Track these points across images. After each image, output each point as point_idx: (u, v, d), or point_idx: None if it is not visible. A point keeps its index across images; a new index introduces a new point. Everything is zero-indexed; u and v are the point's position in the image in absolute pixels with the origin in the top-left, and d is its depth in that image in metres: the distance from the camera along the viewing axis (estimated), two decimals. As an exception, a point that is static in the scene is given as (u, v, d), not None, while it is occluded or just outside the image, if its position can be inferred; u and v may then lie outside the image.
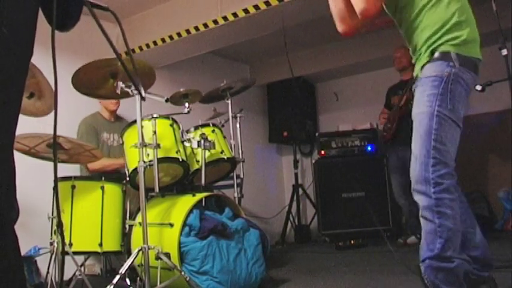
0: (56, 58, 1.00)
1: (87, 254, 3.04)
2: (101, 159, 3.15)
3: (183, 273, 2.50)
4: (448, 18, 1.87)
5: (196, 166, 3.09)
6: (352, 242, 4.46)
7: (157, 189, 2.69)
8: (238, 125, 3.66)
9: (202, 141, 2.96)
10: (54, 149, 1.09)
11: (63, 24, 1.06)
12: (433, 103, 1.78)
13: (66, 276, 2.85)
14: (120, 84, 2.54)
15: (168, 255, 2.53)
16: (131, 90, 2.50)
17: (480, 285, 1.97)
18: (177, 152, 2.89)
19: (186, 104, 2.95)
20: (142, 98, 1.72)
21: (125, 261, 2.50)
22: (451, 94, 1.78)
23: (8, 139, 0.92)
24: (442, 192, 1.72)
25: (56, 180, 1.02)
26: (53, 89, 2.18)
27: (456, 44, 1.84)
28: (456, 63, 1.81)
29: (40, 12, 1.01)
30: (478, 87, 3.40)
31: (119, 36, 1.19)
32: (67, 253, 2.55)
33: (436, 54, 1.85)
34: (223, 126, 3.50)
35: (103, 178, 2.91)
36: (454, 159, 1.78)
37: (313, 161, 5.27)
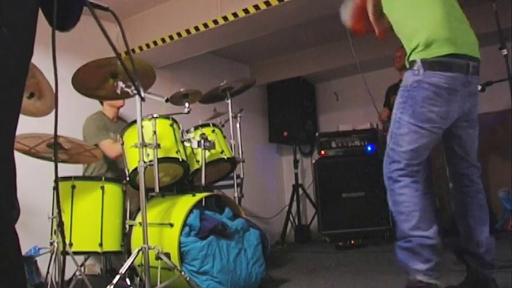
0: (56, 58, 1.00)
1: (87, 254, 3.04)
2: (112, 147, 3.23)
3: (183, 273, 2.50)
4: (409, 30, 2.08)
5: (197, 166, 3.09)
6: (352, 242, 4.46)
7: (157, 189, 2.69)
8: (238, 125, 3.66)
9: (202, 141, 2.96)
10: (55, 149, 1.10)
11: (64, 24, 1.06)
12: (397, 111, 2.05)
13: (66, 276, 2.85)
14: (120, 84, 2.54)
15: (168, 255, 2.53)
16: (131, 90, 2.50)
17: (483, 285, 2.11)
18: (177, 152, 2.89)
19: (186, 104, 2.95)
20: (142, 99, 1.72)
21: (125, 261, 2.50)
22: (412, 101, 1.99)
23: (8, 139, 0.92)
24: (393, 184, 2.01)
25: (57, 180, 1.02)
26: (53, 89, 2.17)
27: (418, 51, 2.02)
28: (421, 70, 1.99)
29: (40, 12, 1.01)
30: (478, 87, 3.41)
31: (119, 36, 1.19)
32: (67, 253, 2.55)
33: (407, 65, 2.07)
34: (223, 126, 3.50)
35: (103, 178, 2.92)
36: (417, 156, 1.99)
37: (313, 161, 5.27)
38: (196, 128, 3.22)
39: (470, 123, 2.12)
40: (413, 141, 1.99)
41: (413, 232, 1.92)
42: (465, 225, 2.19)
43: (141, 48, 4.25)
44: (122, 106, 3.74)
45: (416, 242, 1.92)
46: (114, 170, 3.57)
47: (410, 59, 2.05)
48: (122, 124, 3.60)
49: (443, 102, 1.97)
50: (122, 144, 3.00)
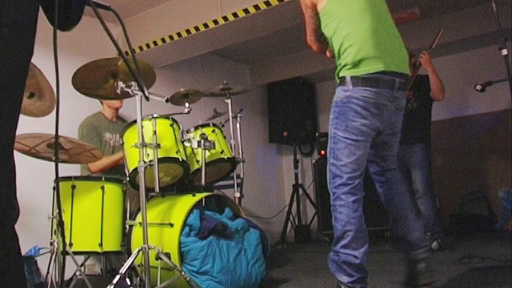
0: (57, 58, 1.00)
1: (87, 254, 3.03)
2: (101, 159, 3.16)
3: (183, 273, 2.50)
4: (339, 47, 2.16)
5: (197, 166, 3.09)
6: (352, 242, 4.46)
7: (157, 189, 2.69)
8: (238, 125, 3.66)
9: (202, 141, 2.96)
10: (55, 148, 1.09)
11: (65, 24, 1.06)
12: (331, 127, 2.19)
13: (66, 276, 2.85)
14: (121, 84, 2.54)
15: (168, 255, 2.53)
16: (131, 90, 2.50)
17: (417, 265, 2.27)
18: (177, 152, 2.89)
19: (187, 104, 2.95)
20: (146, 98, 1.72)
21: (125, 261, 2.50)
22: (344, 116, 2.13)
23: (8, 139, 0.92)
24: (335, 200, 2.15)
25: (58, 180, 1.02)
26: (54, 89, 2.17)
27: (348, 68, 2.13)
28: (350, 86, 2.12)
29: (40, 12, 1.01)
30: (478, 87, 3.41)
31: (119, 36, 1.19)
32: (67, 253, 2.55)
33: (338, 80, 2.20)
34: (223, 126, 3.50)
35: (103, 178, 2.91)
36: (357, 167, 2.12)
37: (313, 161, 5.27)
38: (196, 128, 3.22)
39: (393, 134, 2.27)
40: (351, 154, 2.12)
41: (343, 250, 2.09)
42: (391, 214, 2.40)
43: (141, 48, 4.25)
44: (119, 107, 3.76)
45: (342, 259, 2.09)
46: (113, 171, 3.57)
47: (340, 75, 2.17)
48: (122, 124, 3.60)
49: (371, 116, 2.11)
50: (122, 144, 3.00)
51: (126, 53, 2.50)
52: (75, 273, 2.67)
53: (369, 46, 2.11)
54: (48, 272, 2.60)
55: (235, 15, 3.70)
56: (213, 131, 3.23)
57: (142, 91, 2.30)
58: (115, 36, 3.89)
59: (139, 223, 2.67)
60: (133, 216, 2.97)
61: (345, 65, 2.15)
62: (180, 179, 3.09)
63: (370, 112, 2.10)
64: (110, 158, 3.50)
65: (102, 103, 3.75)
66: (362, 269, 2.11)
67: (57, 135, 1.04)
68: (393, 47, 2.18)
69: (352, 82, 2.12)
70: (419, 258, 2.26)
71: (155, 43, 4.18)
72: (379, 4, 2.24)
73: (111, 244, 2.84)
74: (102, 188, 2.85)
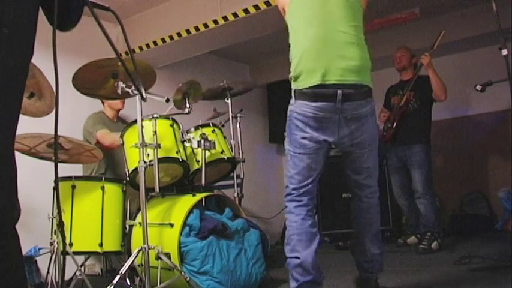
0: (56, 58, 1.00)
1: (87, 254, 3.04)
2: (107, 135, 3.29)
3: (183, 273, 2.50)
4: (291, 58, 2.17)
5: (197, 166, 3.09)
6: (352, 242, 4.46)
7: (157, 189, 2.69)
8: (238, 125, 3.66)
9: (202, 141, 2.96)
10: (55, 148, 1.09)
11: (64, 24, 1.06)
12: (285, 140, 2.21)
13: (67, 276, 2.85)
14: (121, 84, 2.54)
15: (168, 255, 2.53)
16: (131, 90, 2.50)
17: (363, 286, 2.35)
18: (177, 152, 2.89)
19: (187, 104, 2.95)
20: (143, 99, 1.72)
21: (125, 261, 2.50)
22: (289, 129, 2.17)
23: (9, 139, 0.92)
24: (285, 208, 2.18)
25: (57, 180, 1.02)
26: (53, 89, 2.17)
27: (292, 81, 2.15)
28: (293, 100, 2.14)
29: (40, 12, 1.01)
30: (478, 87, 3.41)
31: (119, 36, 1.19)
32: (67, 253, 2.55)
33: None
34: (223, 126, 3.50)
35: (103, 178, 2.92)
36: (302, 178, 2.14)
37: (313, 161, 5.25)
38: (196, 128, 3.22)
39: (357, 147, 2.17)
40: (295, 165, 2.14)
41: (289, 254, 2.11)
42: (354, 235, 2.36)
43: (141, 48, 4.25)
44: (121, 109, 3.76)
45: (289, 264, 2.11)
46: (113, 171, 3.57)
47: (292, 88, 2.16)
48: (122, 124, 3.60)
49: (312, 129, 2.09)
50: (122, 144, 3.00)
51: (126, 53, 2.50)
52: (75, 273, 2.67)
53: (307, 59, 2.09)
54: (48, 272, 2.61)
55: (235, 15, 3.69)
56: (213, 131, 3.23)
57: (140, 92, 2.30)
58: (114, 36, 3.89)
59: (140, 223, 2.67)
60: (133, 216, 2.97)
61: (291, 78, 2.16)
62: (180, 179, 3.09)
63: (310, 126, 2.08)
64: (112, 135, 3.45)
65: (103, 103, 3.75)
66: (306, 270, 2.06)
67: (56, 135, 1.04)
68: (339, 56, 2.07)
69: (295, 96, 2.13)
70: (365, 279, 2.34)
71: (155, 43, 4.18)
72: (334, 10, 2.11)
73: (111, 244, 2.84)
74: (102, 188, 2.85)
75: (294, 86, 2.14)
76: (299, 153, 2.13)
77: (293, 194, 2.15)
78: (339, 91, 2.04)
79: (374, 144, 2.23)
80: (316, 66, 2.06)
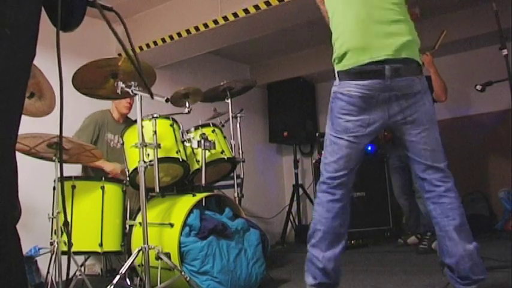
0: (60, 58, 1.00)
1: (88, 254, 3.04)
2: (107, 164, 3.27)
3: (183, 273, 2.50)
4: (333, 41, 2.08)
5: (197, 166, 3.09)
6: (352, 242, 4.46)
7: (157, 189, 2.68)
8: (238, 125, 3.66)
9: (202, 141, 2.96)
10: (59, 148, 1.09)
11: (67, 25, 1.06)
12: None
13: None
14: (121, 84, 2.54)
15: (168, 255, 2.53)
16: (131, 90, 2.50)
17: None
18: (177, 152, 2.89)
19: (187, 104, 2.95)
20: (151, 96, 1.71)
21: (125, 261, 2.50)
22: (331, 112, 2.04)
23: (10, 139, 0.92)
24: (317, 196, 2.07)
25: (62, 180, 1.02)
26: (54, 89, 2.18)
27: (336, 63, 2.04)
28: (337, 81, 2.03)
29: (42, 12, 1.01)
30: (479, 87, 3.41)
31: (122, 36, 1.19)
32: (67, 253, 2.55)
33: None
34: (223, 126, 3.50)
35: (103, 178, 2.91)
36: (339, 167, 2.00)
37: (313, 161, 5.26)
38: (196, 128, 3.22)
39: (412, 125, 1.99)
40: (334, 153, 2.01)
41: (311, 249, 2.02)
42: (436, 234, 2.06)
43: (141, 48, 4.25)
44: (126, 113, 3.71)
45: (309, 258, 2.03)
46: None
47: (335, 70, 2.06)
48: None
49: (359, 111, 1.95)
50: (122, 144, 3.00)
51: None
52: (75, 273, 2.67)
53: (352, 38, 1.97)
54: (48, 272, 2.61)
55: (235, 15, 3.70)
56: (213, 131, 3.23)
57: (149, 91, 2.25)
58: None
59: (140, 223, 2.67)
60: (133, 216, 2.97)
61: (334, 60, 2.05)
62: (180, 179, 3.09)
63: (357, 107, 1.95)
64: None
65: (112, 102, 3.72)
66: (326, 274, 1.98)
67: (61, 135, 1.04)
68: (386, 33, 1.95)
69: (339, 77, 2.01)
70: None
71: (155, 43, 4.18)
72: None
73: (111, 244, 2.84)
74: (102, 188, 2.85)
75: (338, 67, 2.02)
76: (341, 139, 1.98)
77: (327, 183, 2.01)
78: (387, 66, 1.91)
79: (433, 124, 2.02)
80: (363, 44, 1.94)
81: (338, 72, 2.02)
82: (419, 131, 1.99)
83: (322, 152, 2.12)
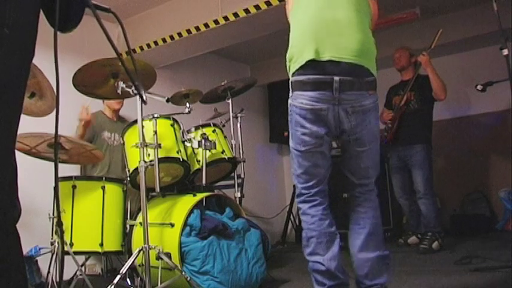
0: (58, 58, 1.00)
1: (88, 253, 3.04)
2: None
3: (183, 273, 2.50)
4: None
5: (197, 166, 3.09)
6: (352, 242, 4.46)
7: (158, 189, 2.69)
8: (239, 125, 3.66)
9: (203, 141, 2.96)
10: (55, 147, 1.10)
11: (65, 26, 1.06)
12: None
13: (67, 276, 2.85)
14: (121, 84, 2.54)
15: (168, 255, 2.53)
16: (132, 90, 2.50)
17: None
18: (177, 152, 2.89)
19: (187, 104, 2.95)
20: (144, 101, 1.70)
21: (126, 261, 2.50)
22: (290, 125, 2.00)
23: (10, 139, 0.92)
24: (301, 213, 2.05)
25: (57, 180, 1.02)
26: (54, 89, 2.17)
27: (289, 71, 1.98)
28: (291, 92, 1.97)
29: (41, 12, 1.01)
30: (479, 87, 3.41)
31: (120, 36, 1.19)
32: (68, 253, 2.55)
33: None
34: (224, 126, 3.50)
35: (104, 178, 2.92)
36: (309, 178, 2.00)
37: (314, 161, 5.25)
38: (197, 128, 3.22)
39: (355, 143, 1.98)
40: (300, 164, 2.00)
41: (310, 257, 1.99)
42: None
43: (141, 48, 4.25)
44: (118, 109, 3.79)
45: (311, 267, 1.99)
46: (114, 173, 3.56)
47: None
48: (122, 124, 3.61)
49: (311, 123, 1.92)
50: (123, 144, 3.00)
51: (127, 53, 2.49)
52: (75, 273, 2.67)
53: (300, 40, 1.92)
54: (48, 272, 2.61)
55: (235, 15, 3.69)
56: (214, 131, 3.23)
57: (139, 93, 2.25)
58: (115, 36, 3.88)
59: (140, 223, 2.68)
60: (134, 216, 2.97)
61: (288, 68, 1.99)
62: (181, 179, 3.09)
63: (308, 119, 1.91)
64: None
65: (103, 102, 3.77)
66: (332, 276, 1.94)
67: (56, 135, 1.04)
68: (337, 33, 1.88)
69: (292, 87, 1.96)
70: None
71: (156, 43, 4.18)
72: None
73: (112, 244, 2.84)
74: (103, 188, 2.85)
75: (290, 74, 1.98)
76: (302, 151, 1.96)
77: (304, 194, 2.02)
78: (336, 78, 1.84)
79: (374, 143, 2.02)
80: (309, 42, 1.88)
81: (291, 82, 1.97)
82: (361, 150, 2.01)
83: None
